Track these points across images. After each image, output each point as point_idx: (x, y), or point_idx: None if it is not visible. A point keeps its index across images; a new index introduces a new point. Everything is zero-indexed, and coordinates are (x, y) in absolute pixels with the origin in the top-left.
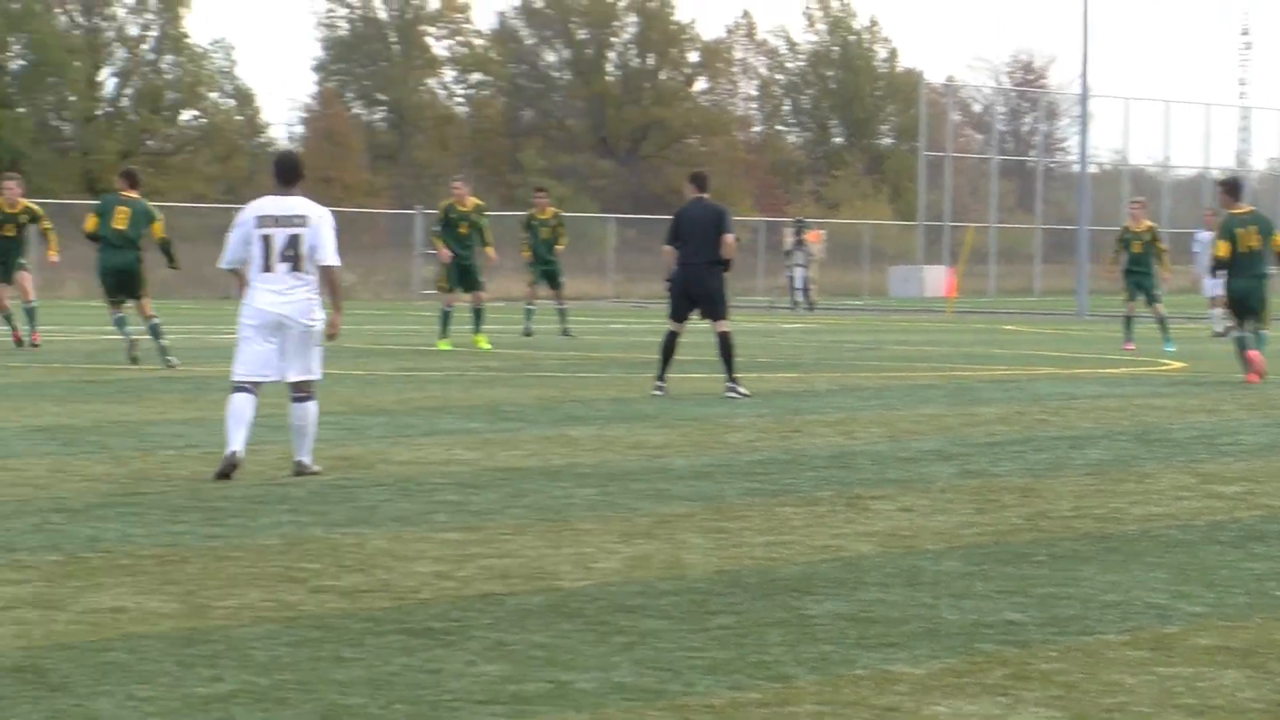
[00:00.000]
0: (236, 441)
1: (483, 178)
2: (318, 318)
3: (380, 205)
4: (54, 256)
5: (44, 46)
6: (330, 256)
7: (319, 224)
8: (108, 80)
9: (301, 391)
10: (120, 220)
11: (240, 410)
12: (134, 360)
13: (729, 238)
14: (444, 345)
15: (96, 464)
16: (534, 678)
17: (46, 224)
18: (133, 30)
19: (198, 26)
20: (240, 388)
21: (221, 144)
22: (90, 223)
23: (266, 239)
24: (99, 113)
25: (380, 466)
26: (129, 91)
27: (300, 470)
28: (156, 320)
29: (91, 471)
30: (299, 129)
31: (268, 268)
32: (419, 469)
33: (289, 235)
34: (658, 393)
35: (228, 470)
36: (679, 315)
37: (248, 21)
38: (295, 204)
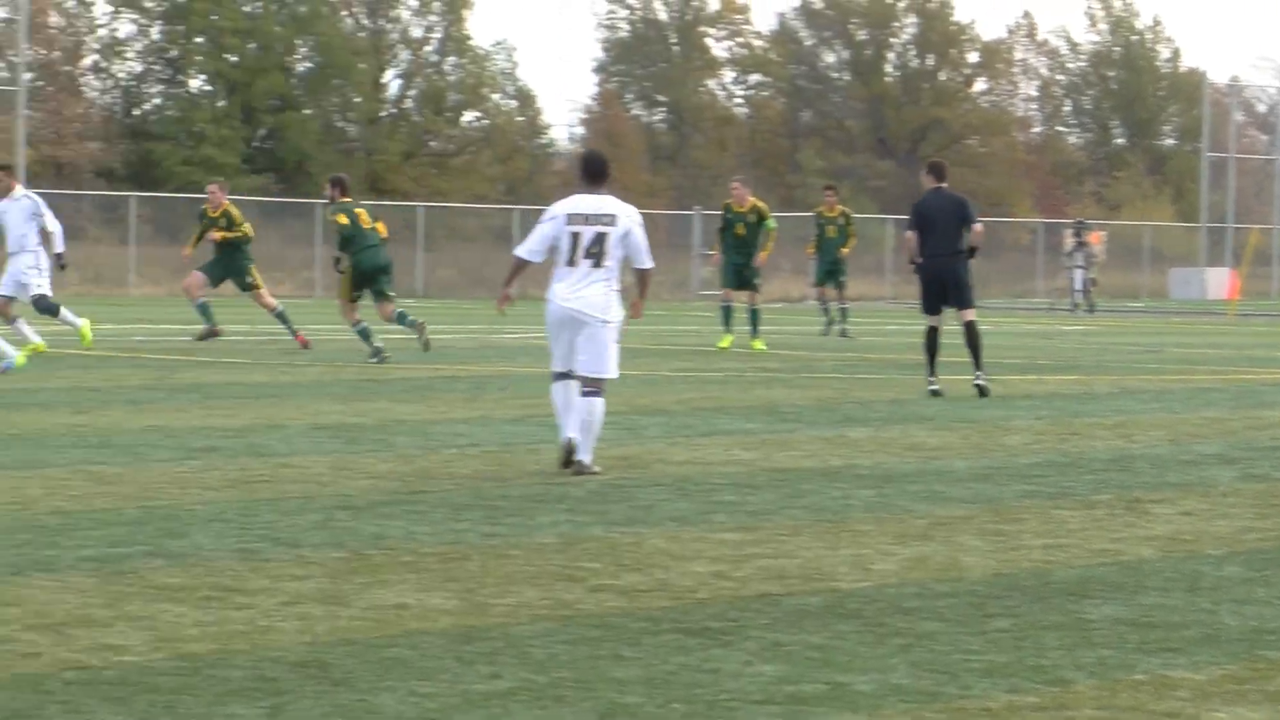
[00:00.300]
0: (569, 427)
1: (761, 178)
2: (614, 315)
3: (659, 206)
4: (217, 235)
5: (330, 49)
6: (646, 260)
7: (630, 225)
8: (392, 82)
9: (590, 386)
10: (367, 220)
11: (561, 397)
12: (426, 346)
13: (979, 227)
14: (725, 342)
15: (380, 462)
16: (810, 678)
17: (245, 228)
18: (416, 32)
19: (480, 28)
20: (558, 376)
21: (503, 145)
22: (344, 221)
23: (575, 235)
24: (383, 114)
25: (658, 466)
26: (412, 93)
27: (580, 470)
28: (366, 323)
29: (375, 469)
30: (579, 130)
31: (571, 262)
32: (697, 469)
33: (596, 233)
34: (933, 390)
35: (568, 458)
36: (933, 309)
37: (529, 23)
38: (605, 203)
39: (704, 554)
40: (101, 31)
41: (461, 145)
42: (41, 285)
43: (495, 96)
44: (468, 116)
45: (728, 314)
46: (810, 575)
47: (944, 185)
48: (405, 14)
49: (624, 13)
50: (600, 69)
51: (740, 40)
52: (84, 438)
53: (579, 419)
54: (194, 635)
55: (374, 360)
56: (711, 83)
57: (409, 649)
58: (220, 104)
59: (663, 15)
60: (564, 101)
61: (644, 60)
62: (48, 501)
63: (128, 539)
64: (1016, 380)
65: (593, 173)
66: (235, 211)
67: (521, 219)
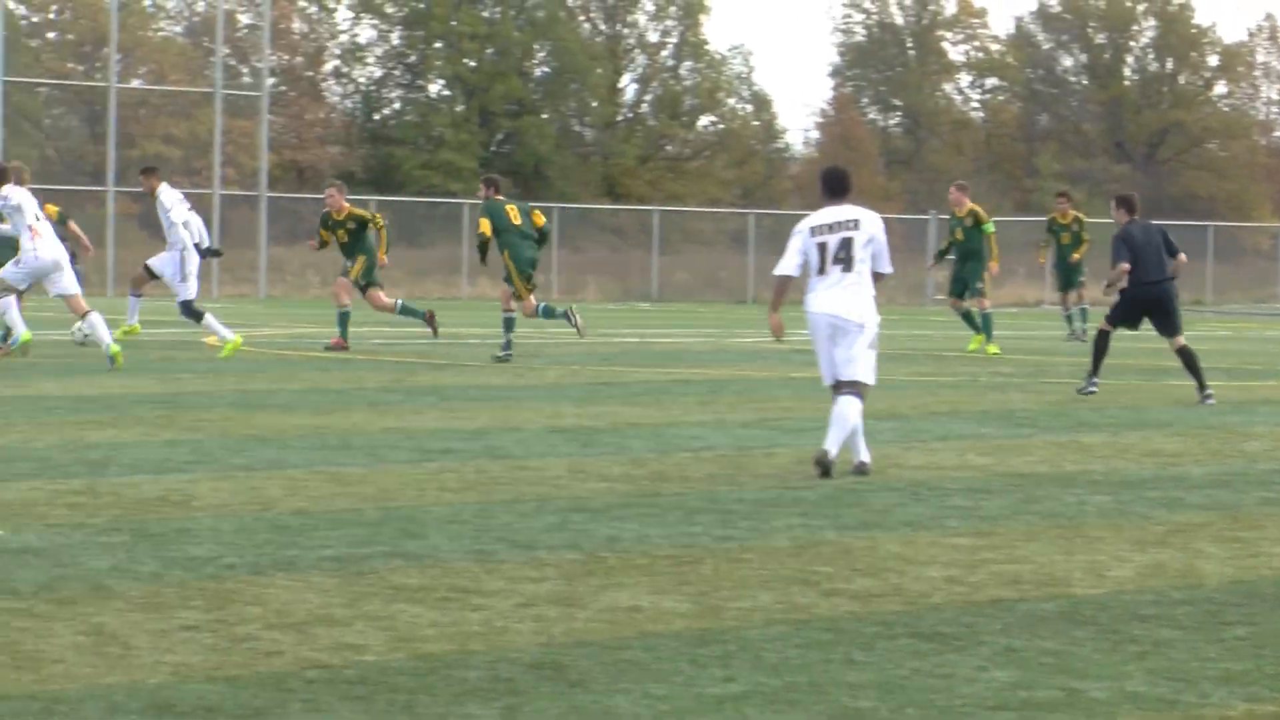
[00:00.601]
0: (860, 451)
1: (997, 183)
2: (871, 319)
3: (894, 210)
4: (383, 259)
5: (567, 53)
6: (886, 265)
7: (873, 229)
8: (628, 86)
9: (849, 388)
10: (516, 216)
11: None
12: (581, 331)
13: (1183, 257)
14: (974, 344)
15: (615, 464)
16: (1045, 684)
17: (379, 223)
18: (653, 37)
19: (716, 33)
20: (837, 392)
21: (738, 149)
22: (486, 226)
23: (822, 245)
24: (619, 118)
25: (892, 471)
26: (648, 97)
27: (860, 469)
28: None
29: (610, 472)
30: (814, 134)
31: (822, 270)
32: (931, 473)
33: (841, 239)
34: (1088, 391)
35: (824, 470)
36: (1122, 324)
37: (765, 27)
38: (847, 210)
39: (937, 559)
40: (343, 37)
41: (697, 149)
42: (183, 289)
43: (731, 101)
44: (703, 121)
45: (969, 318)
46: (1044, 581)
47: (1136, 216)
48: (642, 19)
49: (860, 17)
50: (836, 73)
51: (976, 44)
52: (324, 439)
53: (831, 427)
54: (431, 635)
55: (503, 355)
56: (947, 86)
57: (643, 651)
58: (458, 108)
59: (899, 19)
60: (799, 105)
61: (880, 64)
62: (289, 502)
63: (367, 539)
64: (1257, 386)
65: (835, 188)
66: (362, 212)
67: (756, 223)
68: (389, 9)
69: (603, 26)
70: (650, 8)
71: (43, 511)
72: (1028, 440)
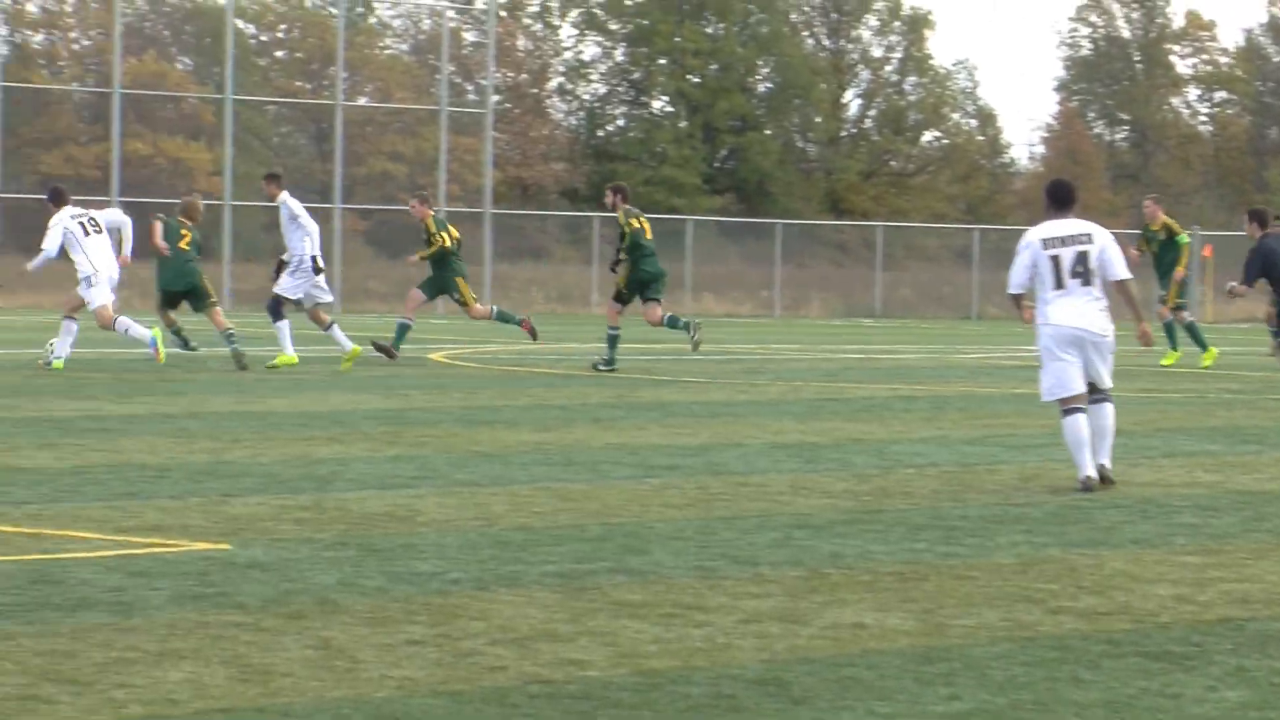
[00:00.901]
0: (1086, 466)
1: (1225, 196)
2: (1109, 330)
3: (1121, 225)
4: (413, 260)
5: (791, 69)
6: (1122, 271)
7: (1104, 241)
8: (852, 101)
9: (1099, 393)
10: (649, 230)
11: (1076, 433)
12: (696, 346)
13: None
14: (1171, 360)
15: (837, 481)
16: (1277, 705)
17: (441, 238)
18: (877, 51)
19: (941, 47)
20: (1069, 410)
21: (962, 164)
22: (638, 224)
23: (1055, 259)
24: (843, 134)
25: (1119, 487)
26: (872, 112)
27: (1104, 475)
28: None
29: (832, 488)
30: (1040, 148)
31: (1059, 285)
32: (1158, 490)
33: (1076, 252)
34: None
35: (1105, 478)
36: None
37: (990, 41)
38: (1076, 224)
39: (1165, 577)
40: (567, 54)
41: (921, 164)
42: (294, 289)
43: (955, 115)
44: (927, 136)
45: (1170, 330)
46: (1275, 600)
47: (1269, 231)
48: (866, 34)
49: (1086, 30)
50: (1061, 87)
51: (1205, 57)
52: (548, 455)
53: (1096, 440)
54: (654, 651)
55: (604, 368)
56: (1175, 100)
57: (867, 668)
58: (682, 124)
59: (1126, 32)
60: (1025, 120)
61: (1106, 78)
62: (512, 518)
63: (590, 555)
64: None
65: (1060, 199)
66: (432, 224)
67: (981, 238)
68: (613, 26)
69: (827, 42)
70: (875, 23)
71: (270, 526)
72: (1257, 458)
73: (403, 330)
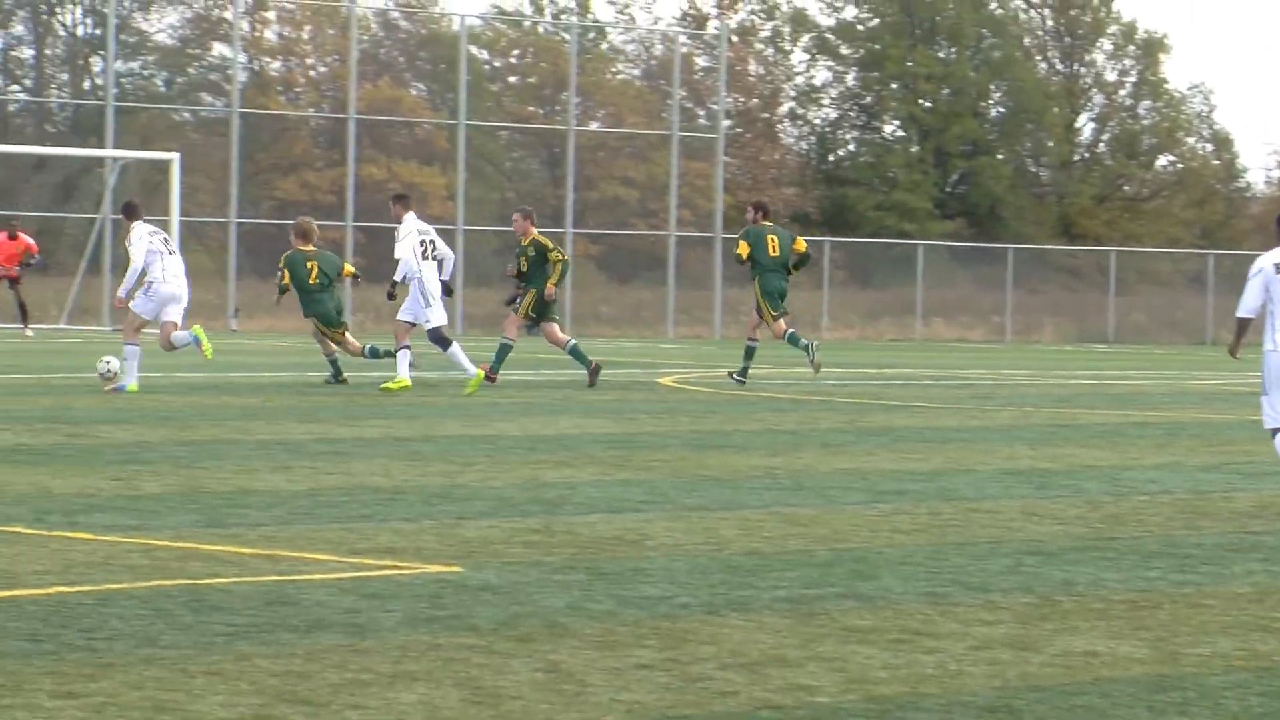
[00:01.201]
0: None
1: None
2: None
3: None
4: (550, 289)
5: (1023, 93)
6: None
7: None
8: (1085, 125)
9: None
10: (775, 247)
11: None
12: (817, 369)
13: None
14: None
15: (1070, 507)
16: None
17: (555, 255)
18: (1110, 76)
19: (1176, 71)
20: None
21: (1197, 188)
22: (745, 249)
23: None
24: (1075, 158)
25: None
26: (1105, 136)
27: None
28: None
29: (1064, 514)
30: (1277, 173)
31: None
32: None
33: None
34: None
35: None
36: None
37: (1227, 65)
38: None
39: None
40: (798, 79)
41: (1155, 189)
42: (429, 318)
43: (1190, 140)
44: (1162, 160)
45: None
46: None
47: None
48: (1100, 58)
49: None
50: None
51: None
52: (778, 480)
53: None
54: (883, 678)
55: (738, 379)
56: None
57: (1099, 697)
58: (913, 149)
59: None
60: (1261, 144)
61: None
62: (743, 542)
63: (820, 580)
64: None
65: None
66: (545, 240)
67: (1216, 264)
68: (844, 50)
69: (1059, 66)
70: (1109, 47)
71: (500, 549)
72: None
73: (503, 351)
